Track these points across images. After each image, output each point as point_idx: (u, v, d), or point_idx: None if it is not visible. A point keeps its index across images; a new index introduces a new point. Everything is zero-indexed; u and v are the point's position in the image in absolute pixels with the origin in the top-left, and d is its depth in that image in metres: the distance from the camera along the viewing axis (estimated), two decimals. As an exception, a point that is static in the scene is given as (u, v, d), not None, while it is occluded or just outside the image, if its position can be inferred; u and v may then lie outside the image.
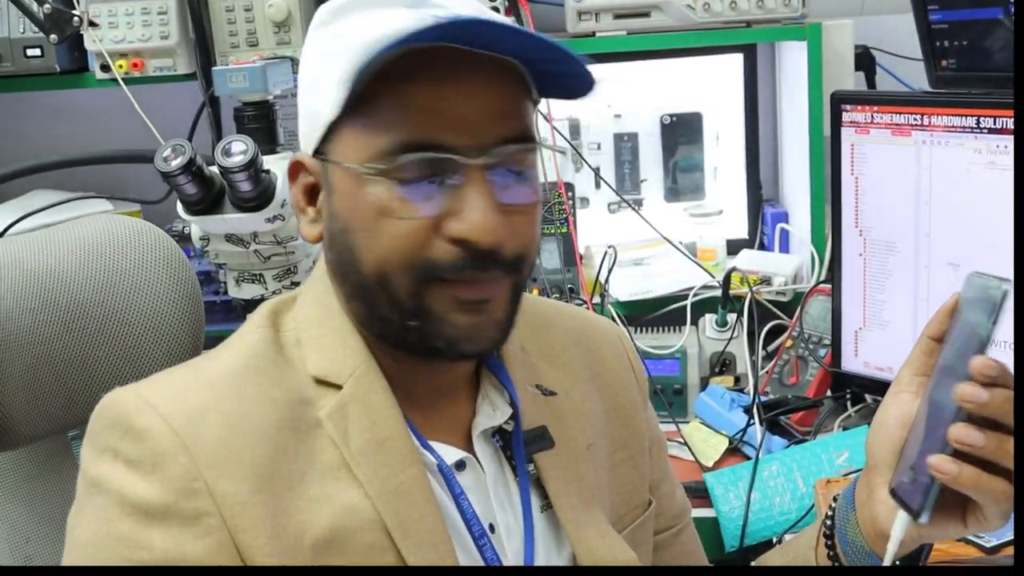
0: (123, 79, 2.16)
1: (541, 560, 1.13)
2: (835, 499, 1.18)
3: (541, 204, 1.11)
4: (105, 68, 2.20)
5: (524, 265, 1.07)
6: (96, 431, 1.04)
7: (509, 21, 1.01)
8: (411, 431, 1.09)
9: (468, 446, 1.13)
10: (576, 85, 1.05)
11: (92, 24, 2.12)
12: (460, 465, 1.11)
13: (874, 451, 1.10)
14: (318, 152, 1.07)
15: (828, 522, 1.17)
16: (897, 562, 1.09)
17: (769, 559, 1.31)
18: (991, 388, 0.96)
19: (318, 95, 1.06)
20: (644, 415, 1.31)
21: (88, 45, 2.21)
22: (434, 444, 1.10)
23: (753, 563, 1.37)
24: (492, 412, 1.15)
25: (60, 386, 1.29)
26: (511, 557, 1.11)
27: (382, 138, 1.01)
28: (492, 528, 1.11)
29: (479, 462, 1.12)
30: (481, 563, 1.08)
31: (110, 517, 1.00)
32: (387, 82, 1.00)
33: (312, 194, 1.10)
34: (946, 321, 1.06)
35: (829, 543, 1.16)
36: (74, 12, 2.12)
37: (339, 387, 1.07)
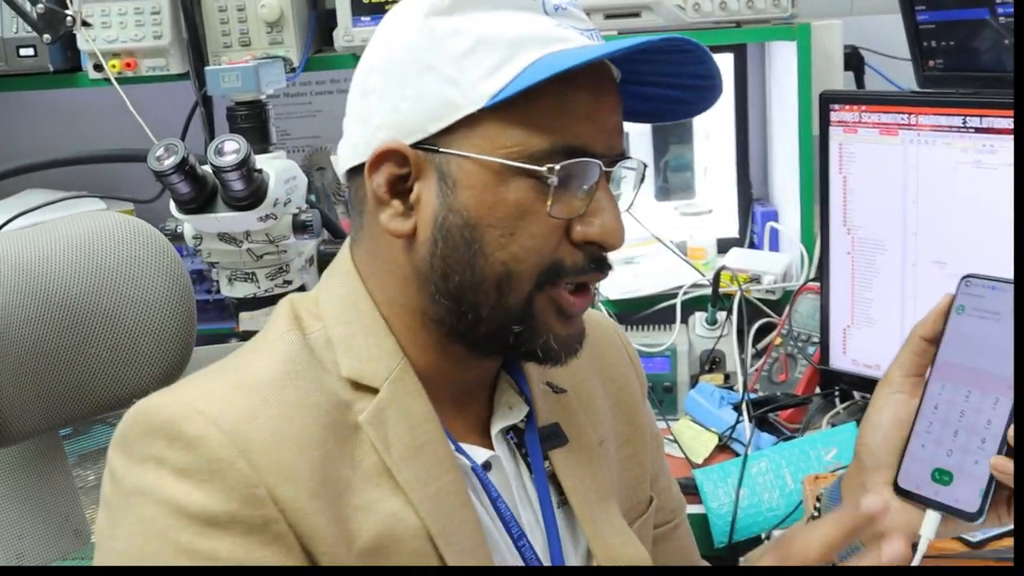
0: (116, 79, 2.17)
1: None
2: (818, 499, 1.17)
3: None
4: (98, 68, 2.21)
5: None
6: (133, 439, 1.00)
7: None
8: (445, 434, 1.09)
9: (488, 445, 1.13)
10: (649, 110, 1.12)
11: (85, 24, 2.13)
12: (487, 465, 1.11)
13: (872, 452, 1.09)
14: (425, 143, 1.04)
15: None
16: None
17: (754, 558, 1.32)
18: None
19: (440, 83, 1.02)
20: (644, 410, 1.32)
21: (81, 45, 2.22)
22: (463, 445, 1.10)
23: (741, 560, 1.38)
24: (509, 411, 1.15)
25: (52, 383, 1.29)
26: (539, 556, 1.11)
27: (538, 138, 1.01)
28: None
29: (501, 462, 1.12)
30: (521, 564, 1.09)
31: (163, 528, 0.95)
32: (548, 83, 1.00)
33: (397, 186, 1.06)
34: (941, 322, 1.07)
35: None
36: (67, 12, 2.13)
37: (375, 390, 1.06)
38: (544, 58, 1.01)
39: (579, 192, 1.03)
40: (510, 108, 1.01)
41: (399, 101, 1.04)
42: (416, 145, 1.03)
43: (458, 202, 1.03)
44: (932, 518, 1.05)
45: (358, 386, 1.06)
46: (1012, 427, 1.00)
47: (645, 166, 1.14)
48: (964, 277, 1.06)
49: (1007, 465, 0.99)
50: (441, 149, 1.03)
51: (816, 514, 1.17)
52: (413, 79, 1.03)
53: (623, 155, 1.08)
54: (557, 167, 1.01)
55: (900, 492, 1.07)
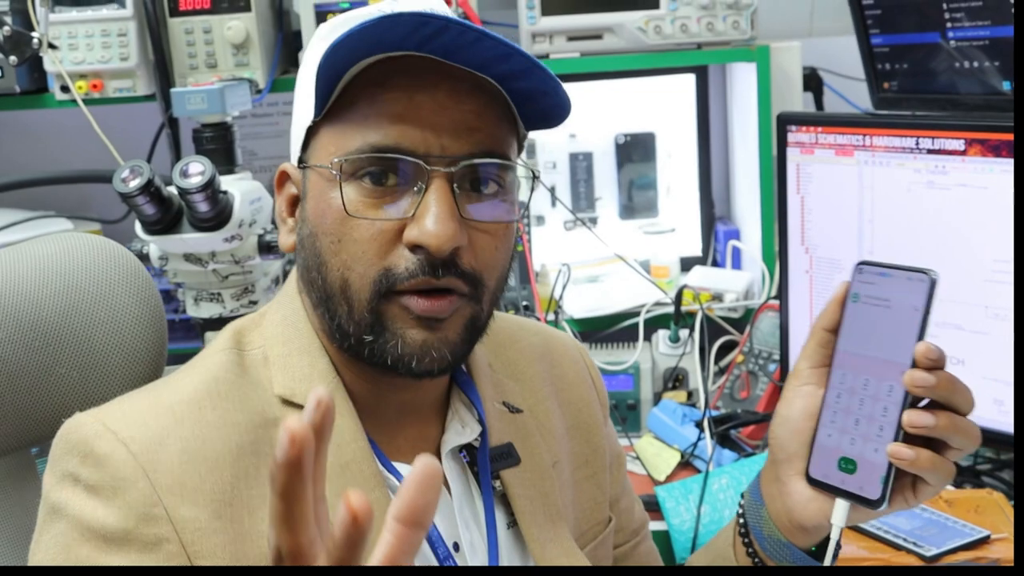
0: (83, 100, 2.18)
1: None
2: (743, 496, 1.20)
3: (512, 232, 1.09)
4: (65, 89, 2.22)
5: (482, 289, 1.06)
6: (57, 456, 1.04)
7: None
8: (375, 453, 1.09)
9: None
10: (552, 107, 1.07)
11: (52, 46, 2.13)
12: None
13: (783, 445, 1.12)
14: (300, 161, 1.09)
15: (741, 520, 1.19)
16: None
17: (694, 560, 1.34)
18: (934, 371, 1.01)
19: (302, 103, 1.08)
20: (605, 431, 1.33)
21: (48, 66, 2.23)
22: (398, 465, 1.10)
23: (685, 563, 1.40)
24: (461, 429, 1.15)
25: (22, 403, 1.29)
26: None
27: (354, 140, 1.03)
28: (457, 547, 1.11)
29: (445, 481, 1.12)
30: None
31: (69, 542, 0.99)
32: (364, 87, 1.02)
33: (295, 205, 1.12)
34: (838, 311, 1.09)
35: (746, 540, 1.18)
36: (34, 34, 2.13)
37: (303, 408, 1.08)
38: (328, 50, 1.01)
39: (402, 193, 1.03)
40: (335, 116, 1.05)
41: (292, 127, 1.11)
42: (298, 164, 1.10)
43: (306, 212, 1.08)
44: (841, 506, 1.08)
45: (288, 404, 1.08)
46: (905, 413, 1.02)
47: (535, 174, 1.13)
48: (858, 264, 1.08)
49: (902, 451, 1.02)
50: (306, 164, 1.08)
51: (741, 511, 1.20)
52: (295, 103, 1.11)
53: (472, 155, 1.03)
54: (357, 166, 1.02)
55: (812, 482, 1.10)
